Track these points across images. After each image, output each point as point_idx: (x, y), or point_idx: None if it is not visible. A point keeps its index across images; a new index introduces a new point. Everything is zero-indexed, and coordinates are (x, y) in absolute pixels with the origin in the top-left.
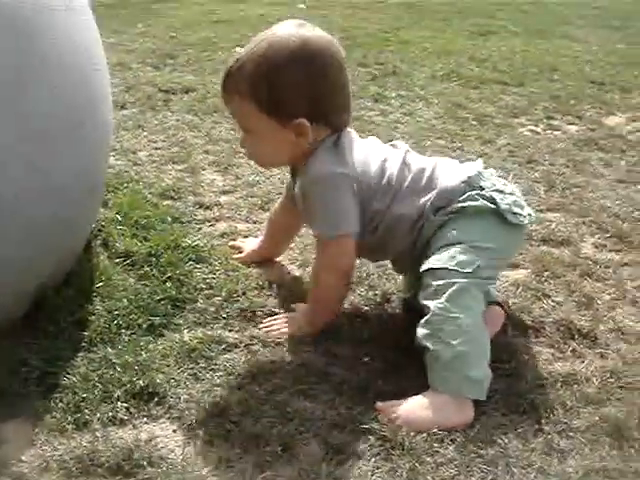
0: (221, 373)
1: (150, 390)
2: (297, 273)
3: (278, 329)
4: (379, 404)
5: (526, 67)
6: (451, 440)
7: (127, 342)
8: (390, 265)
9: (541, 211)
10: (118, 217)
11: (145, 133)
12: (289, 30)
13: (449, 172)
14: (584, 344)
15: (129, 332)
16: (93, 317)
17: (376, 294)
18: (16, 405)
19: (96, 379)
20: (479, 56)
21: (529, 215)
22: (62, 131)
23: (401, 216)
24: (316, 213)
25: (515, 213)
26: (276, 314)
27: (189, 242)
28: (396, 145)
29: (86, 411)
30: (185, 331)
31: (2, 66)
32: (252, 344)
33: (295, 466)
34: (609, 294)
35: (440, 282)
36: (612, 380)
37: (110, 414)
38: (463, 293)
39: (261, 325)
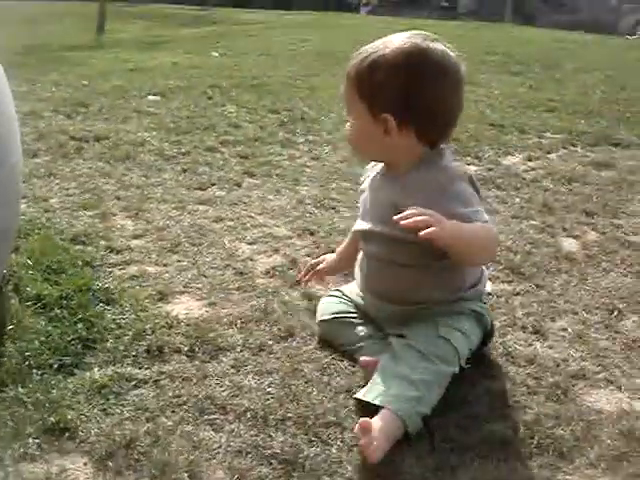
0: (130, 408)
1: (61, 426)
2: (204, 312)
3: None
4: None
5: None
6: (348, 461)
7: (38, 381)
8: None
9: None
10: (29, 262)
11: (57, 181)
12: (414, 38)
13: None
14: (476, 367)
15: (40, 372)
16: (4, 359)
17: (280, 329)
18: None
19: (7, 417)
20: None
21: None
22: None
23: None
24: (467, 203)
25: None
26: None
27: (100, 285)
28: None
29: None
30: (95, 369)
31: None
32: (160, 379)
33: None
34: (500, 322)
35: (445, 354)
36: (500, 400)
37: (22, 450)
38: (448, 378)
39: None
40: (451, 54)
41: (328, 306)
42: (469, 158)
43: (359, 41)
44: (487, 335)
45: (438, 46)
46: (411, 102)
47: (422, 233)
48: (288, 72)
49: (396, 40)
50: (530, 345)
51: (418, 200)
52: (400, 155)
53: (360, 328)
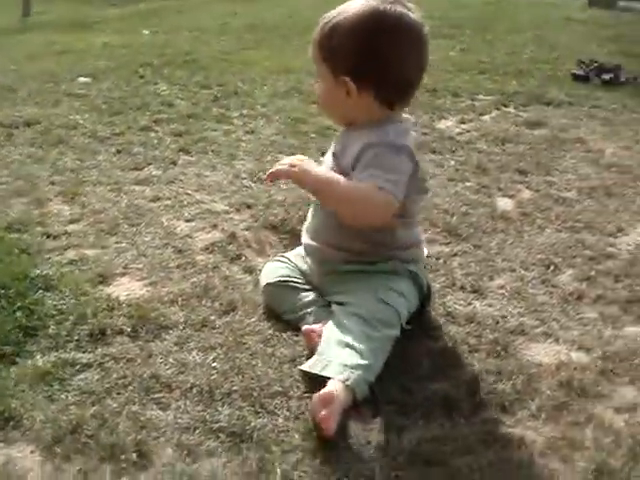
0: (75, 392)
1: (6, 415)
2: (145, 292)
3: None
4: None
5: None
6: (295, 429)
7: None
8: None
9: None
10: None
11: None
12: (372, 1)
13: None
14: (418, 328)
15: None
16: None
17: (221, 304)
18: None
19: None
20: None
21: None
22: None
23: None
24: (386, 170)
25: None
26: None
27: (38, 272)
28: None
29: None
30: (38, 356)
31: None
32: (104, 362)
33: (151, 470)
34: (440, 283)
35: (387, 318)
36: (442, 359)
37: None
38: (391, 342)
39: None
40: (411, 15)
41: (273, 270)
42: None
43: (290, 11)
44: (425, 298)
45: (396, 7)
46: (368, 64)
47: (267, 173)
48: (220, 47)
49: (356, 3)
50: (469, 304)
51: (347, 153)
52: (362, 116)
53: (304, 294)
